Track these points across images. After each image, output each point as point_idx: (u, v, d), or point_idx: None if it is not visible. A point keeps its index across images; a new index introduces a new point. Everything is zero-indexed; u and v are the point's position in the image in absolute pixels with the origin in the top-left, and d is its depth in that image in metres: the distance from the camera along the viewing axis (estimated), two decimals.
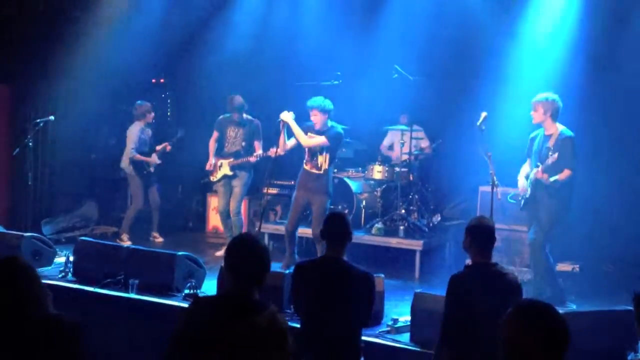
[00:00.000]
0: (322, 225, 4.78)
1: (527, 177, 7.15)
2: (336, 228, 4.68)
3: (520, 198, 7.19)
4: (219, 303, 3.42)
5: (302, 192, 7.84)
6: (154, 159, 9.50)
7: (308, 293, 4.64)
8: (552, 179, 6.80)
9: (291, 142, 7.90)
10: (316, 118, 7.71)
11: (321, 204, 7.74)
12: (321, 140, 7.72)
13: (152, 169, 9.51)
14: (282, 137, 7.83)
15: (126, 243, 8.78)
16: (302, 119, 7.89)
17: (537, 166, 6.92)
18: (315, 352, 4.54)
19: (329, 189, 7.83)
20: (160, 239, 9.56)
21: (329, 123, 7.78)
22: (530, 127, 7.26)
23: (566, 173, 6.83)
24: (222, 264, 6.69)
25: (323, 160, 7.78)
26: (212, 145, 8.75)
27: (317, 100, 7.71)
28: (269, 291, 6.10)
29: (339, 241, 4.65)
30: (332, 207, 8.66)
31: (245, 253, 3.42)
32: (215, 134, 8.75)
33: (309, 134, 7.79)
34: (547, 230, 6.96)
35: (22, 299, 3.26)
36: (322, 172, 7.77)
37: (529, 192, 7.05)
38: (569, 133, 6.93)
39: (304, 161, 7.88)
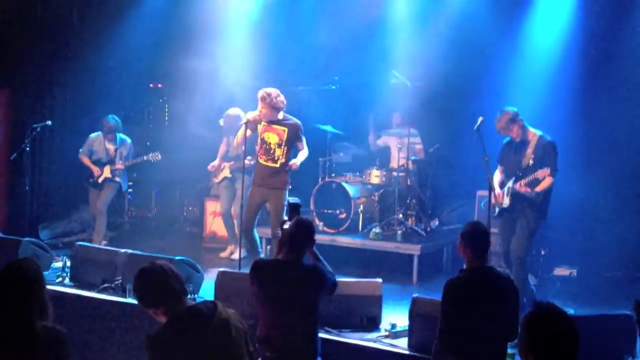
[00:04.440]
0: (289, 229, 4.87)
1: (501, 185, 6.87)
2: (300, 236, 4.81)
3: (496, 207, 6.86)
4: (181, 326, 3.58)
5: (257, 187, 7.51)
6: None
7: (266, 294, 4.73)
8: (536, 189, 6.50)
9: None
10: (263, 112, 7.34)
11: (279, 200, 7.37)
12: (281, 129, 7.43)
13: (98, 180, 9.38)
14: (242, 137, 7.57)
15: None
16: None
17: (518, 176, 6.64)
18: (274, 353, 4.65)
19: (286, 184, 7.53)
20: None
21: (281, 114, 7.46)
22: None
23: (548, 181, 6.51)
24: (220, 270, 6.70)
25: (281, 153, 7.45)
26: (222, 149, 8.92)
27: (270, 95, 7.33)
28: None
29: (301, 248, 4.81)
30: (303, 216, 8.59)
31: (157, 289, 3.63)
32: (224, 139, 8.89)
33: (265, 124, 7.45)
34: (528, 241, 6.68)
35: (31, 304, 3.48)
36: (278, 165, 7.44)
37: (507, 202, 6.74)
38: (548, 137, 6.69)
39: (257, 154, 7.55)
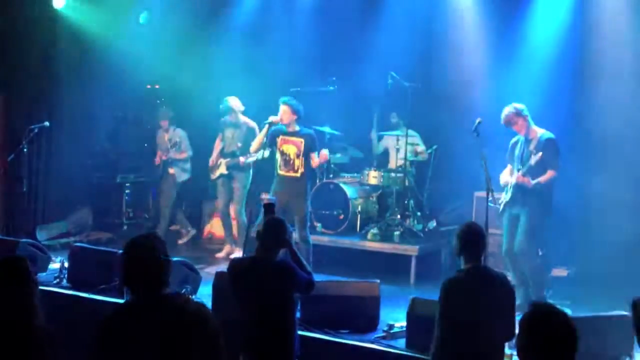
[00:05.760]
0: (259, 229, 4.94)
1: (505, 183, 7.11)
2: (269, 235, 4.86)
3: (499, 202, 7.08)
4: (130, 312, 3.39)
5: (278, 196, 7.58)
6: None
7: (239, 292, 4.80)
8: (534, 181, 6.77)
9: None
10: (286, 116, 7.67)
11: (302, 209, 7.67)
12: (298, 140, 7.74)
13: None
14: (262, 138, 7.83)
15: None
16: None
17: (519, 170, 6.90)
18: (252, 352, 4.69)
19: (307, 193, 7.81)
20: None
21: (297, 126, 7.78)
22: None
23: (549, 174, 6.81)
24: (217, 271, 6.70)
25: (300, 163, 7.72)
26: (217, 144, 9.02)
27: (293, 100, 7.75)
28: None
29: (271, 247, 4.85)
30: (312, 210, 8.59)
31: (141, 266, 3.42)
32: (220, 135, 9.00)
33: (282, 137, 7.76)
34: (530, 237, 6.90)
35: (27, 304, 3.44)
36: (299, 175, 7.72)
37: (509, 195, 7.00)
38: (550, 135, 6.93)
39: (278, 166, 7.80)
